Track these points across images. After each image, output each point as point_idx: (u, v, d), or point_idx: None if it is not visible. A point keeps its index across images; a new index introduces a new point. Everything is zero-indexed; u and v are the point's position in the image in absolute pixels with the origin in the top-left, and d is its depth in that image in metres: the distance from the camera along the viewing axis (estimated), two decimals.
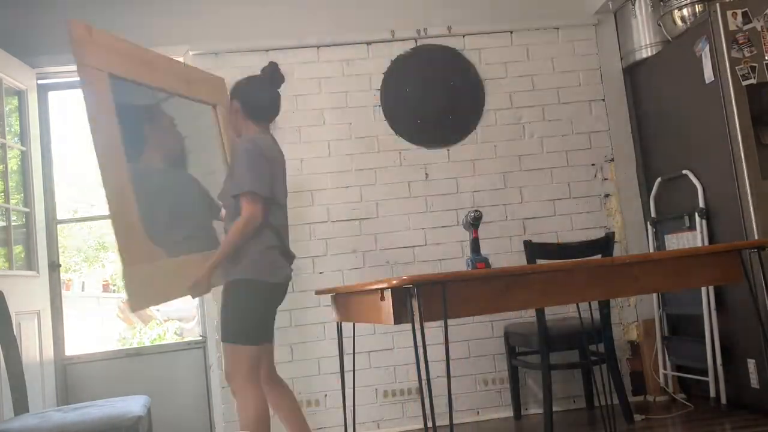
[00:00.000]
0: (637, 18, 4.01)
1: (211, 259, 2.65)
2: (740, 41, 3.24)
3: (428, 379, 1.94)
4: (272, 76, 2.88)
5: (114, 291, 15.15)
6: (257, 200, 2.60)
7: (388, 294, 2.04)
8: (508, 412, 3.79)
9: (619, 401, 3.39)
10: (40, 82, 3.95)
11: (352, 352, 3.65)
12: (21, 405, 2.86)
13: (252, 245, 2.63)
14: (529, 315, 3.80)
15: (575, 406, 3.87)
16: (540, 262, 3.00)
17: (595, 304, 3.59)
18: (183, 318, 8.48)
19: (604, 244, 3.16)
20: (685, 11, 3.62)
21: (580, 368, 3.73)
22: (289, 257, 2.80)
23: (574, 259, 2.91)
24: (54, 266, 3.91)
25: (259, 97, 2.83)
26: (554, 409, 3.69)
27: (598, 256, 3.12)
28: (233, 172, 2.68)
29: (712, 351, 3.46)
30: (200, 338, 4.01)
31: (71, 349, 4.01)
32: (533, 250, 3.13)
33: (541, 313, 3.21)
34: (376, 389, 3.81)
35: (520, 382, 3.76)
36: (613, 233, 3.18)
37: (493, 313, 2.83)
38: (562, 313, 3.88)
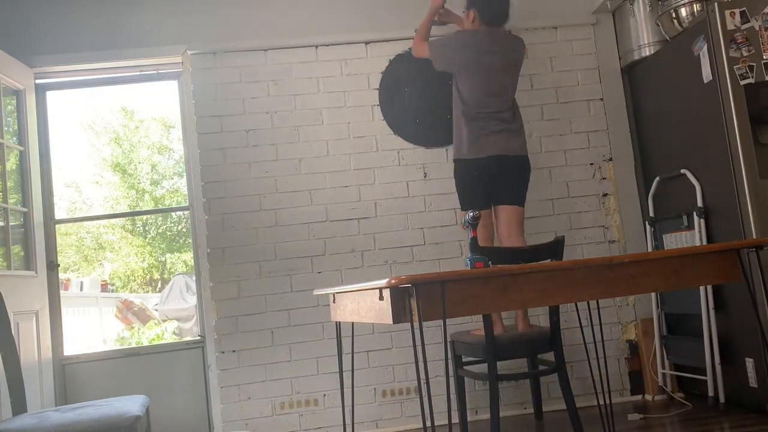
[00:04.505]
0: (635, 17, 4.01)
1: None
2: (738, 40, 3.25)
3: (427, 379, 1.94)
4: None
5: (112, 291, 15.14)
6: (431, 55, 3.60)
7: (386, 293, 2.04)
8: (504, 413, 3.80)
9: (568, 412, 3.05)
10: (38, 81, 3.95)
11: (350, 351, 3.66)
12: (19, 405, 2.86)
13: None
14: (476, 320, 3.68)
15: (525, 411, 3.80)
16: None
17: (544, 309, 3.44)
18: (181, 318, 8.47)
19: (553, 248, 2.99)
20: (683, 11, 3.62)
21: (528, 378, 3.56)
22: None
23: (571, 260, 2.87)
24: (52, 266, 3.90)
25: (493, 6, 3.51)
26: (504, 414, 3.62)
27: (548, 260, 2.93)
28: None
29: (711, 350, 3.47)
30: (199, 338, 4.00)
31: (69, 349, 4.01)
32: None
33: (488, 321, 2.99)
34: (375, 389, 3.81)
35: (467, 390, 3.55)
36: (563, 237, 3.03)
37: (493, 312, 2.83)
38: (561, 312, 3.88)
